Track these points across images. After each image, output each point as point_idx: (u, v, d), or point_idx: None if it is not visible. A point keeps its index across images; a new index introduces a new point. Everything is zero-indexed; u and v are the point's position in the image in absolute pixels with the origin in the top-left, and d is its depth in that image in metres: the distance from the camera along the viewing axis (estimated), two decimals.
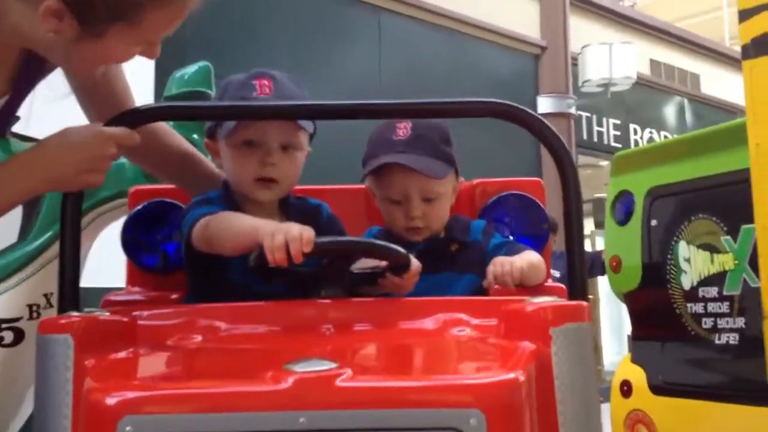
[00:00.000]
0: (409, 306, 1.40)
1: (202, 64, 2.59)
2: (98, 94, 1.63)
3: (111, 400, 1.04)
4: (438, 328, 1.32)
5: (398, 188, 1.71)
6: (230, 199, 1.63)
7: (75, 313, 1.23)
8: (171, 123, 2.37)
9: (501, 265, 1.58)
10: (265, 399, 1.03)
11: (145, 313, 1.35)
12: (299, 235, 1.29)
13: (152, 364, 1.24)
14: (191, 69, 2.59)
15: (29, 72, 1.46)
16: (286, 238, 1.29)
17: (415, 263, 1.44)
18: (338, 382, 1.03)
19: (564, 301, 1.25)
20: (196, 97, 2.50)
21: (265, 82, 1.60)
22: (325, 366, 1.06)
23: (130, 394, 1.06)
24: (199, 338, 1.29)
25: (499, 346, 1.20)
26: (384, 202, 1.75)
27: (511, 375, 1.07)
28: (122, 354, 1.19)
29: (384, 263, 1.46)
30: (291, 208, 1.67)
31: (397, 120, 1.72)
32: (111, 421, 1.02)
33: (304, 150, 1.66)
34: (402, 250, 1.43)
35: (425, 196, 1.71)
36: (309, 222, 1.54)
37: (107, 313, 1.25)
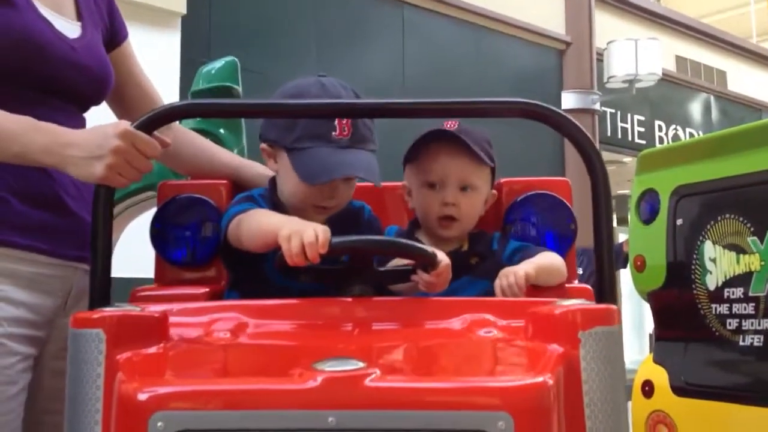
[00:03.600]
0: (436, 306, 1.40)
1: (228, 59, 2.61)
2: (128, 95, 1.76)
3: (143, 396, 1.05)
4: (465, 329, 1.32)
5: (439, 170, 1.74)
6: (273, 198, 1.67)
7: (107, 308, 1.23)
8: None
9: (506, 277, 1.60)
10: (294, 397, 1.04)
11: (176, 308, 1.36)
12: (314, 237, 1.31)
13: (183, 359, 1.25)
14: (218, 64, 2.61)
15: None
16: (302, 241, 1.31)
17: (444, 258, 1.43)
18: (367, 382, 1.04)
19: (593, 305, 1.24)
20: (223, 91, 2.52)
21: (344, 120, 1.60)
22: (353, 365, 1.06)
23: (162, 390, 1.07)
24: (228, 335, 1.29)
25: (527, 348, 1.20)
26: (421, 189, 1.77)
27: (540, 378, 1.07)
28: (153, 349, 1.20)
29: (411, 261, 1.46)
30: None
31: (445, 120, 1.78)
32: (143, 417, 1.03)
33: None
34: (423, 246, 1.44)
35: (462, 184, 1.75)
36: (350, 223, 1.60)
37: (139, 309, 1.26)
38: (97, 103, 1.68)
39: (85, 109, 1.66)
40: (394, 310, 1.38)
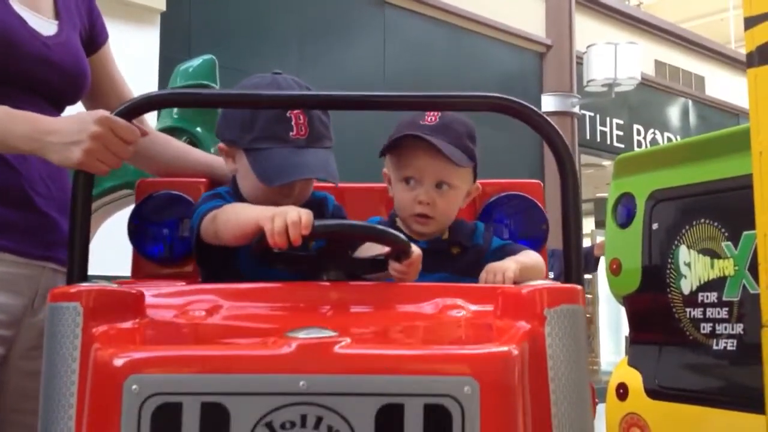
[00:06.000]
0: (408, 290, 1.44)
1: (206, 57, 2.60)
2: (105, 97, 1.75)
3: (118, 361, 1.08)
4: (436, 311, 1.36)
5: (415, 166, 1.72)
6: (239, 194, 1.69)
7: (84, 284, 1.26)
8: (177, 114, 2.40)
9: (494, 274, 1.61)
10: (267, 362, 1.07)
11: (153, 288, 1.39)
12: (298, 218, 1.34)
13: (158, 331, 1.28)
14: (196, 62, 2.60)
15: None
16: (285, 221, 1.34)
17: (416, 250, 1.47)
18: (337, 348, 1.08)
19: (559, 284, 1.29)
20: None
21: (301, 120, 1.62)
22: (325, 333, 1.10)
23: (137, 355, 1.11)
24: (204, 313, 1.33)
25: (495, 325, 1.24)
26: (398, 184, 1.77)
27: (505, 348, 1.12)
28: (129, 324, 1.23)
29: (386, 249, 1.49)
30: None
31: (427, 111, 1.77)
32: (117, 381, 1.06)
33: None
34: (400, 234, 1.46)
35: (439, 181, 1.72)
36: (315, 213, 1.59)
37: (116, 285, 1.29)
38: (72, 102, 1.69)
39: (61, 108, 1.66)
40: (367, 293, 1.42)
